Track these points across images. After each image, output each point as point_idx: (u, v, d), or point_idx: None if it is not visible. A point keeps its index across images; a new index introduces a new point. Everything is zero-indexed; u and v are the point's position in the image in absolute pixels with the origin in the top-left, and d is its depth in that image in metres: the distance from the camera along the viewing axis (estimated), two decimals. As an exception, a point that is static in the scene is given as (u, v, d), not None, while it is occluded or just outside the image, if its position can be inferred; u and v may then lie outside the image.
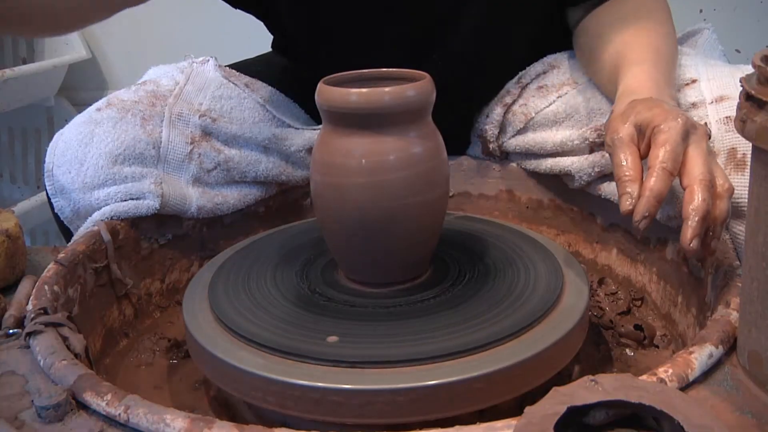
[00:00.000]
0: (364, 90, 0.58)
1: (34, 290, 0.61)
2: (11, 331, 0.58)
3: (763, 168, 0.45)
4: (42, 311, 0.57)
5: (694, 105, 0.71)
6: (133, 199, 0.74)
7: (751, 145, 0.70)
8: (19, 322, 0.59)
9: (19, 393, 0.49)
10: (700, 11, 1.27)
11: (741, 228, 0.64)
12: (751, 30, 1.28)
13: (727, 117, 0.67)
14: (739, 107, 0.45)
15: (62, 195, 0.75)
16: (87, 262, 0.68)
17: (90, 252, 0.68)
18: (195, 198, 0.78)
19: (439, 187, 0.62)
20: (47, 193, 0.76)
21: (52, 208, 0.77)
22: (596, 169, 0.75)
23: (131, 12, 0.77)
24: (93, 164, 0.73)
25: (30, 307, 0.59)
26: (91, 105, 0.81)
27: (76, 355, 0.53)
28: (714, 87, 0.72)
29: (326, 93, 0.59)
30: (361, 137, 0.59)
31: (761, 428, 0.44)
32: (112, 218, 0.73)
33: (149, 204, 0.74)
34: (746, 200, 0.63)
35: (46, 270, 0.64)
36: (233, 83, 0.85)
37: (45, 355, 0.52)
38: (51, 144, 0.77)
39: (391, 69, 0.65)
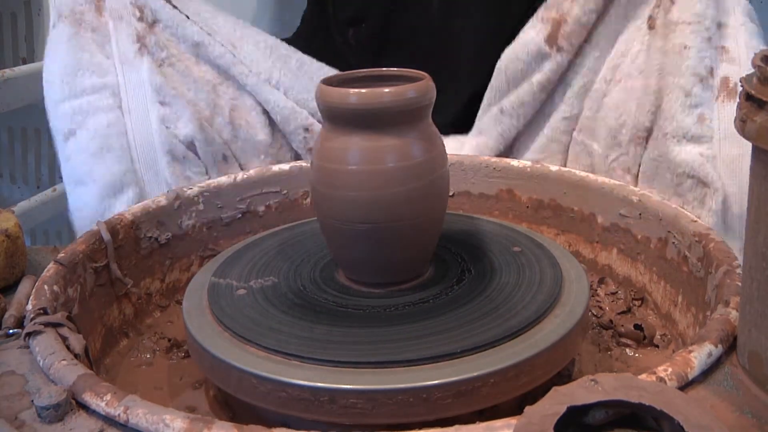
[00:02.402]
0: (363, 90, 0.58)
1: (33, 290, 0.61)
2: (11, 331, 0.58)
3: (763, 168, 0.45)
4: (41, 311, 0.57)
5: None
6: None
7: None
8: (19, 322, 0.59)
9: (19, 393, 0.49)
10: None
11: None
12: (751, 30, 1.27)
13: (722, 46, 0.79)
14: (739, 107, 0.44)
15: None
16: (87, 261, 0.68)
17: (90, 251, 0.68)
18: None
19: (439, 188, 0.62)
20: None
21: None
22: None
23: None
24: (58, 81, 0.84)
25: (30, 307, 0.59)
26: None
27: (75, 356, 0.53)
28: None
29: (325, 93, 0.59)
30: (361, 138, 0.59)
31: (761, 428, 0.44)
32: None
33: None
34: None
35: (45, 270, 0.64)
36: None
37: (44, 355, 0.52)
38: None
39: (391, 69, 0.65)
